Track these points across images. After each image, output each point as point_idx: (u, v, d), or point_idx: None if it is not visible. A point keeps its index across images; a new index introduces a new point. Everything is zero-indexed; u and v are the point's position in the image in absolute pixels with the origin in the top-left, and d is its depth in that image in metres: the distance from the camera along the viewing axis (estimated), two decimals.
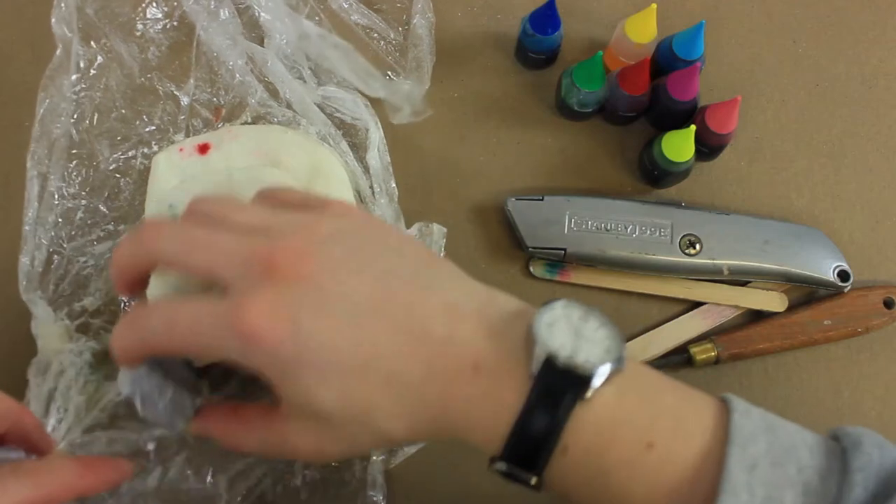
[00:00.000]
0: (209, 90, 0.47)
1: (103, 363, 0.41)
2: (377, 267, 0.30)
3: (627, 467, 0.27)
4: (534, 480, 0.28)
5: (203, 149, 0.43)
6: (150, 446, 0.40)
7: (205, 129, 0.46)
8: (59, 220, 0.44)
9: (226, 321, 0.28)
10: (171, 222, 0.33)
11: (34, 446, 0.34)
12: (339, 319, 0.28)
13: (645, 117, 0.48)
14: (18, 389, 0.41)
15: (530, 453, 0.27)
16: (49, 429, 0.39)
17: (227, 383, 0.42)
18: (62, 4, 0.45)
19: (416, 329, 0.29)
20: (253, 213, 0.32)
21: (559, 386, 0.27)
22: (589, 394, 0.27)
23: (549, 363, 0.27)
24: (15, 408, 0.33)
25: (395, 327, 0.29)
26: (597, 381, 0.27)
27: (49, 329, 0.41)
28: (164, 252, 0.31)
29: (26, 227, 0.42)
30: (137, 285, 0.34)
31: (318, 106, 0.45)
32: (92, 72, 0.46)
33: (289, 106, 0.46)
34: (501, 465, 0.28)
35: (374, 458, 0.41)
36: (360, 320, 0.28)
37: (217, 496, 0.39)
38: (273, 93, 0.46)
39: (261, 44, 0.46)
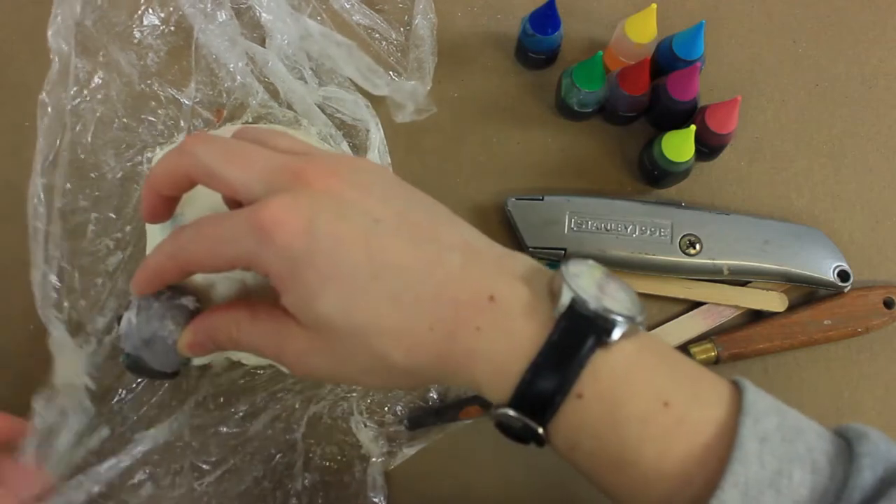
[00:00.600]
0: (210, 92, 0.47)
1: (95, 401, 0.42)
2: (402, 201, 0.30)
3: (641, 423, 0.27)
4: (540, 430, 0.27)
5: None
6: (142, 475, 0.40)
7: (206, 130, 0.46)
8: (69, 233, 0.44)
9: (245, 218, 0.28)
10: (216, 136, 0.33)
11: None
12: (356, 229, 0.28)
13: (645, 117, 0.48)
14: (25, 391, 0.41)
15: (543, 397, 0.27)
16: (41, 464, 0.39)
17: None
18: (58, 18, 0.45)
19: (432, 253, 0.28)
20: (296, 141, 0.32)
21: (582, 329, 0.27)
22: (611, 340, 0.27)
23: (575, 306, 0.27)
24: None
25: (411, 247, 0.28)
26: (618, 332, 0.27)
27: (66, 360, 0.41)
28: (203, 159, 0.30)
29: (33, 244, 0.42)
30: (167, 205, 0.34)
31: (319, 106, 0.46)
32: (92, 84, 0.46)
33: (289, 106, 0.46)
34: (507, 412, 0.27)
35: (374, 459, 0.41)
36: (377, 234, 0.28)
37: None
38: (274, 93, 0.46)
39: (262, 44, 0.46)
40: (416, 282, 0.28)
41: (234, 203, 0.31)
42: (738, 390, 0.28)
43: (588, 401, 0.27)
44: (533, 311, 0.28)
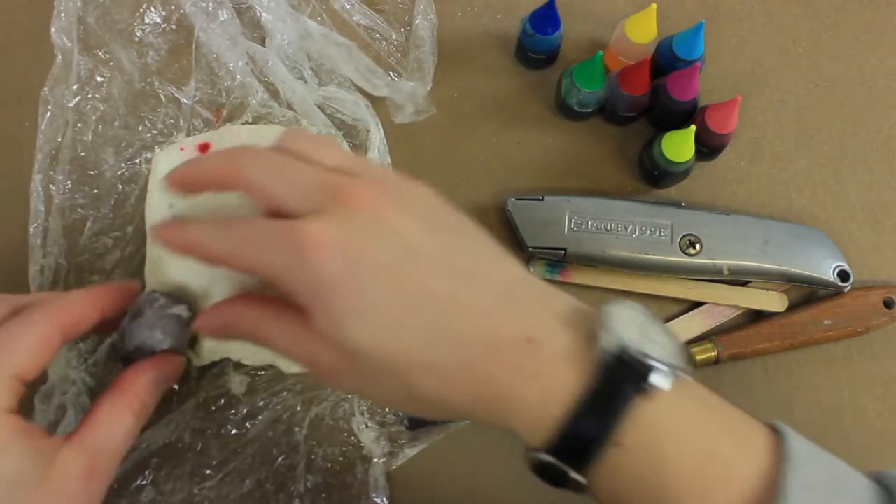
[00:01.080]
0: (210, 91, 0.47)
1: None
2: (447, 231, 0.30)
3: (685, 474, 0.26)
4: (580, 478, 0.27)
5: (203, 148, 0.43)
6: (142, 479, 0.41)
7: (206, 129, 0.46)
8: (67, 230, 0.44)
9: (283, 231, 0.28)
10: (264, 149, 0.32)
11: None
12: (395, 258, 0.27)
13: (645, 117, 0.48)
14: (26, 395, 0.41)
15: (582, 443, 0.26)
16: None
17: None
18: (62, 14, 0.45)
19: (472, 288, 0.28)
20: (343, 156, 0.31)
21: (624, 376, 0.26)
22: (652, 388, 0.26)
23: (618, 352, 0.26)
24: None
25: (451, 281, 0.28)
26: (660, 380, 0.26)
27: (60, 356, 0.41)
28: (251, 172, 0.30)
29: (33, 240, 0.42)
30: (192, 188, 0.33)
31: (319, 106, 0.46)
32: (93, 81, 0.46)
33: (289, 106, 0.46)
34: (544, 458, 0.27)
35: (376, 460, 0.41)
36: (418, 265, 0.28)
37: None
38: (274, 93, 0.46)
39: (262, 44, 0.46)
40: (453, 317, 0.27)
41: (273, 214, 0.30)
42: (776, 435, 0.28)
43: (628, 449, 0.26)
44: (572, 355, 0.27)
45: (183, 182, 0.32)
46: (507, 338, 0.27)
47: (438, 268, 0.28)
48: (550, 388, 0.27)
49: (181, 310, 0.37)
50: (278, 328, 0.30)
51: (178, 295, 0.38)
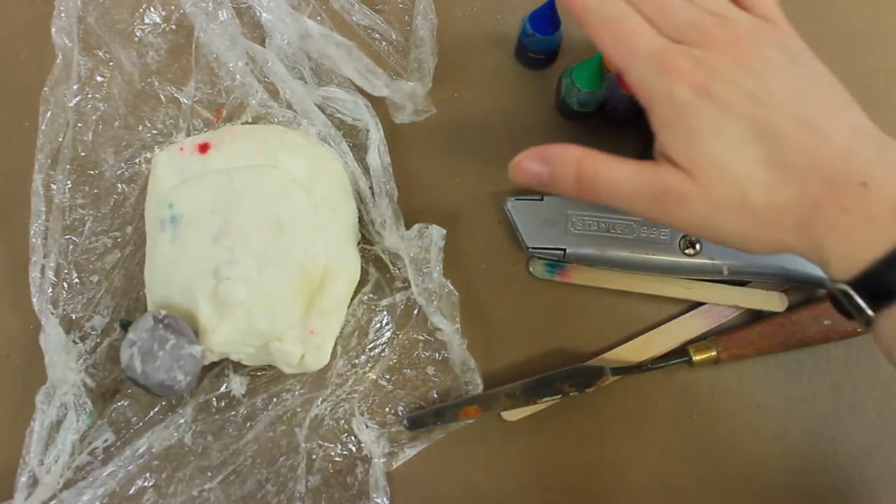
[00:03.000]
0: (210, 91, 0.47)
1: (97, 402, 0.42)
2: (801, 79, 0.32)
3: None
4: (871, 313, 0.29)
5: (203, 148, 0.43)
6: (143, 482, 0.41)
7: (205, 129, 0.46)
8: (67, 230, 0.44)
9: (657, 51, 0.32)
10: None
11: None
12: (748, 98, 0.31)
13: (645, 117, 0.48)
14: (28, 395, 0.41)
15: (886, 287, 0.28)
16: (47, 460, 0.40)
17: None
18: (62, 14, 0.45)
19: (817, 131, 0.30)
20: (719, 4, 0.34)
21: None
22: None
23: None
24: None
25: (797, 122, 0.30)
26: None
27: (58, 355, 0.41)
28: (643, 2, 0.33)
29: (34, 240, 0.43)
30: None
31: (319, 106, 0.45)
32: (94, 80, 0.46)
33: (289, 106, 0.46)
34: (846, 290, 0.29)
35: (376, 460, 0.41)
36: (767, 106, 0.31)
37: None
38: (273, 93, 0.46)
39: (262, 44, 0.46)
40: (794, 153, 0.30)
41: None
42: None
43: None
44: None
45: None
46: (843, 179, 0.30)
47: (786, 109, 0.31)
48: (872, 230, 0.29)
49: (196, 350, 0.39)
50: (618, 165, 0.34)
51: (186, 332, 0.39)
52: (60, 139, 0.44)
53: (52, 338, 0.41)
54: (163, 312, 0.39)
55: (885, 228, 0.29)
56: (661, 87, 0.32)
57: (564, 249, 0.44)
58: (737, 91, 0.31)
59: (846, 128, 0.31)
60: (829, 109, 0.32)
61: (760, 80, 0.31)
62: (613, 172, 0.34)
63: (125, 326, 0.41)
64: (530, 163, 0.36)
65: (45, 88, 0.44)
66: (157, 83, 0.47)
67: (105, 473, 0.40)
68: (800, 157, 0.30)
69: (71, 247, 0.44)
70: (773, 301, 0.44)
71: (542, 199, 0.44)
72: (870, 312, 0.29)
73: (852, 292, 0.29)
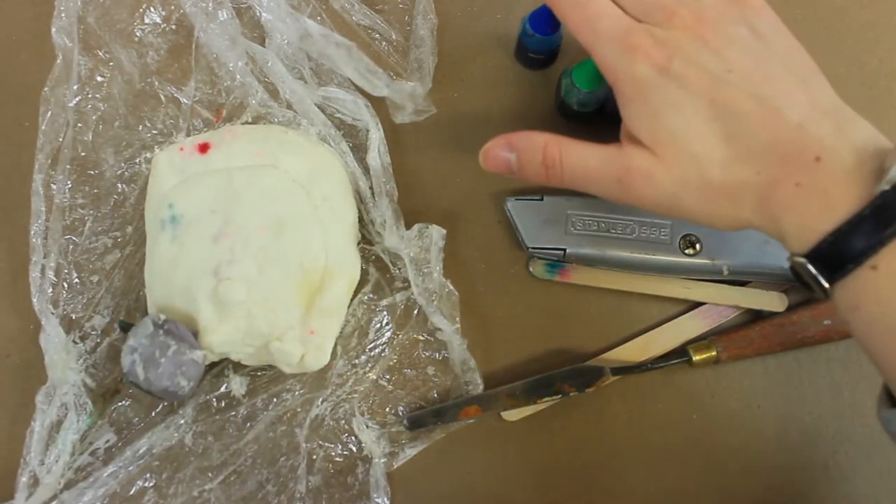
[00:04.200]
0: (210, 91, 0.47)
1: (97, 402, 0.42)
2: (761, 54, 0.33)
3: None
4: (826, 285, 0.30)
5: (203, 148, 0.43)
6: (143, 482, 0.41)
7: (205, 129, 0.46)
8: (67, 230, 0.44)
9: (619, 33, 0.33)
10: None
11: None
12: (707, 76, 0.32)
13: None
14: (28, 395, 0.41)
15: (839, 259, 0.29)
16: (47, 460, 0.40)
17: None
18: (62, 14, 0.45)
19: (773, 109, 0.31)
20: None
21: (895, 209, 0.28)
22: None
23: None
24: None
25: (755, 100, 0.31)
26: None
27: (58, 355, 0.41)
28: None
29: (34, 240, 0.43)
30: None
31: (319, 106, 0.45)
32: (94, 81, 0.46)
33: (289, 106, 0.46)
34: (803, 262, 0.30)
35: (377, 460, 0.41)
36: (726, 83, 0.31)
37: None
38: (273, 93, 0.46)
39: (262, 44, 0.46)
40: (751, 131, 0.31)
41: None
42: None
43: (881, 274, 0.29)
44: (854, 179, 0.29)
45: None
46: (797, 154, 0.30)
47: (745, 87, 0.31)
48: (825, 204, 0.30)
49: (199, 356, 0.39)
50: (584, 148, 0.35)
51: (188, 338, 0.39)
52: (60, 139, 0.44)
53: (52, 338, 0.41)
54: (162, 317, 0.39)
55: (837, 201, 0.29)
56: (625, 66, 0.33)
57: (564, 249, 0.44)
58: (696, 69, 0.32)
59: (805, 104, 0.31)
60: (788, 86, 0.32)
61: (720, 58, 0.32)
62: (578, 156, 0.35)
63: (125, 329, 0.41)
64: (499, 150, 0.37)
65: (45, 88, 0.44)
66: (157, 83, 0.47)
67: (106, 474, 0.40)
68: (756, 134, 0.31)
69: (71, 247, 0.44)
70: (773, 301, 0.44)
71: (542, 199, 0.44)
72: (825, 284, 0.30)
73: (808, 265, 0.30)
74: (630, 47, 0.32)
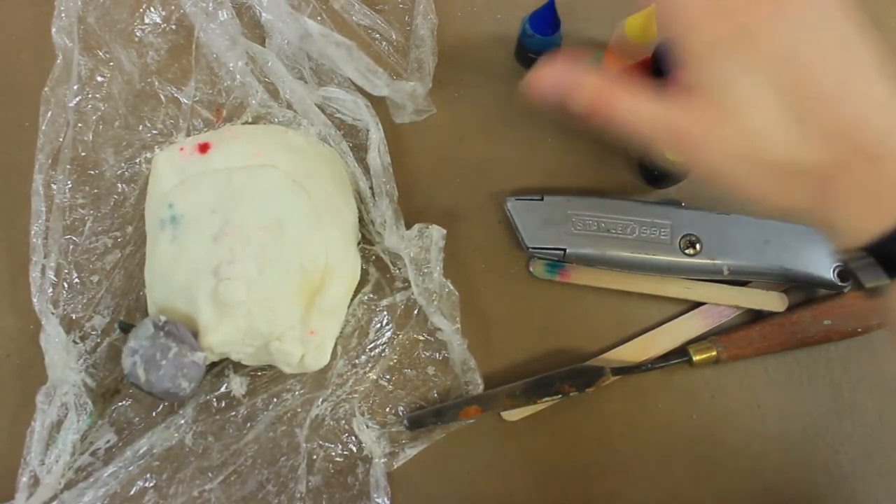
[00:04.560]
0: (210, 91, 0.47)
1: (98, 402, 0.42)
2: (835, 38, 0.31)
3: None
4: (888, 281, 0.29)
5: (203, 148, 0.43)
6: (144, 483, 0.41)
7: (205, 129, 0.46)
8: (67, 230, 0.44)
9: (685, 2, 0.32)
10: None
11: None
12: (788, 48, 0.30)
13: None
14: (28, 395, 0.41)
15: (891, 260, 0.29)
16: (48, 460, 0.40)
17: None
18: (62, 14, 0.45)
19: (845, 93, 0.30)
20: None
21: None
22: None
23: None
24: None
25: (817, 85, 0.30)
26: None
27: (58, 355, 0.41)
28: None
29: (34, 240, 0.43)
30: None
31: (319, 106, 0.45)
32: (94, 81, 0.46)
33: (289, 106, 0.46)
34: (861, 255, 0.30)
35: (377, 460, 0.41)
36: (791, 65, 0.30)
37: None
38: (273, 93, 0.46)
39: (262, 44, 0.46)
40: (820, 115, 0.30)
41: None
42: None
43: None
44: None
45: None
46: (861, 148, 0.30)
47: (807, 75, 0.30)
48: (883, 205, 0.29)
49: (199, 358, 0.39)
50: (644, 99, 0.33)
51: (189, 339, 0.39)
52: (61, 139, 0.44)
53: (53, 338, 0.41)
54: (162, 319, 0.39)
55: (889, 205, 0.29)
56: (707, 24, 0.31)
57: (564, 249, 0.44)
58: (780, 43, 0.31)
59: (876, 97, 0.31)
60: (862, 76, 0.31)
61: (804, 37, 0.31)
62: (632, 102, 0.33)
63: (124, 329, 0.41)
64: (552, 77, 0.35)
65: (46, 88, 0.44)
66: (157, 83, 0.47)
67: (106, 474, 0.40)
68: (825, 119, 0.30)
69: (71, 247, 0.44)
70: (773, 301, 0.44)
71: (542, 199, 0.44)
72: (888, 281, 0.30)
73: (868, 259, 0.30)
74: (714, 7, 0.31)
